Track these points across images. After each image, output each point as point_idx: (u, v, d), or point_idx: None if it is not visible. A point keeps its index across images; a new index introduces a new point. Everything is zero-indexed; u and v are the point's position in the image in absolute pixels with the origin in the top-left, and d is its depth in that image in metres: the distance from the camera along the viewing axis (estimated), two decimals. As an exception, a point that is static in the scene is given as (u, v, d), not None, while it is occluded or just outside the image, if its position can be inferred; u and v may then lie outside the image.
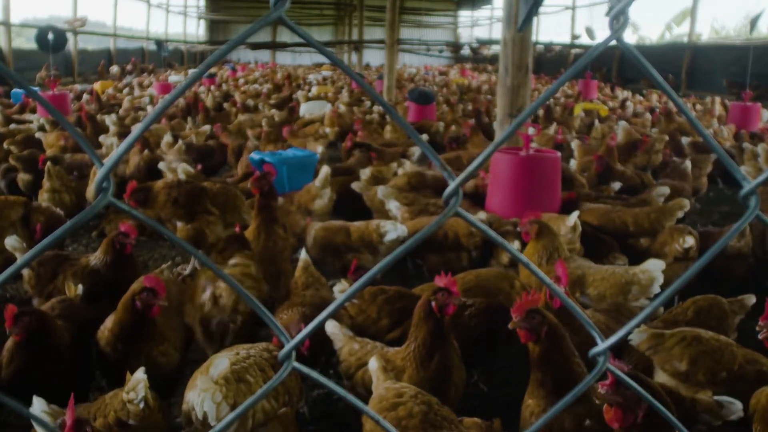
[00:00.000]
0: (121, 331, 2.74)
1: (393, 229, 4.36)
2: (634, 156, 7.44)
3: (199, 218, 4.79)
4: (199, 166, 6.54)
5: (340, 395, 1.05)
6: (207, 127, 8.82)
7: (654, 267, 3.54)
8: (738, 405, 2.34)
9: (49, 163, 5.47)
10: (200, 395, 2.21)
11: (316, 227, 4.57)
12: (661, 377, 2.73)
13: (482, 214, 4.83)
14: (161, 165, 6.09)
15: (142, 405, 2.18)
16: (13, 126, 8.76)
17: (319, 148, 8.04)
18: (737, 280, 4.16)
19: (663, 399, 1.87)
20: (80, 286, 3.33)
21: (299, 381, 2.66)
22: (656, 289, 3.50)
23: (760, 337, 2.62)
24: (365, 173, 6.00)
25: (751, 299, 3.23)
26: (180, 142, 6.92)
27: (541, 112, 10.38)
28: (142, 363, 2.70)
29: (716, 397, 2.40)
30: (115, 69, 21.97)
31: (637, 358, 2.90)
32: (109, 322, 2.84)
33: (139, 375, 2.21)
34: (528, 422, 2.34)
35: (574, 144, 7.60)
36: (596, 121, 9.97)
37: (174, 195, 4.80)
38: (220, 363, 2.28)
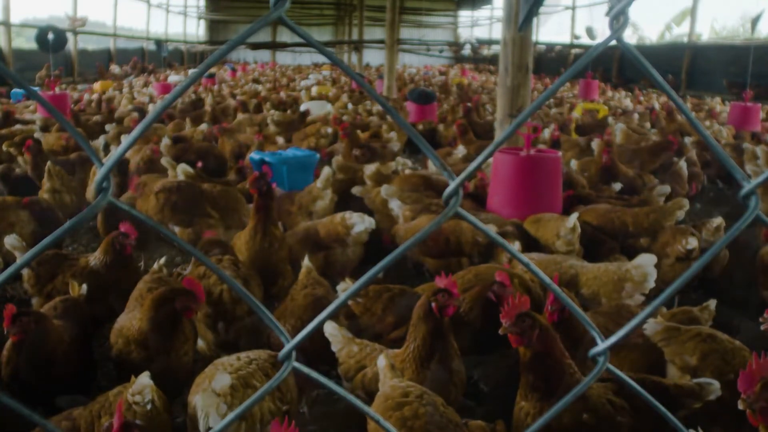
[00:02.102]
0: (156, 331, 2.76)
1: (360, 222, 4.29)
2: (666, 159, 7.28)
3: (199, 221, 4.80)
4: (200, 164, 6.54)
5: (340, 395, 1.05)
6: (204, 126, 8.83)
7: (646, 262, 3.52)
8: (716, 384, 2.35)
9: (49, 163, 5.47)
10: (203, 410, 2.21)
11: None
12: (670, 371, 2.74)
13: (493, 227, 4.74)
14: (163, 161, 6.09)
15: (149, 407, 2.19)
16: (17, 127, 8.74)
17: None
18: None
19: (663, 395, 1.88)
20: (84, 286, 3.33)
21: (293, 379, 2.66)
22: (650, 284, 3.48)
23: (762, 328, 2.66)
24: (370, 169, 6.01)
25: (713, 304, 3.19)
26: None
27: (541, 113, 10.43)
28: (172, 362, 2.73)
29: (696, 380, 2.42)
30: (117, 69, 22.00)
31: (632, 361, 2.90)
32: (132, 321, 2.84)
33: (145, 380, 2.21)
34: (524, 423, 2.34)
35: (594, 143, 7.61)
36: (610, 119, 10.05)
37: (173, 199, 4.81)
38: (222, 378, 2.28)
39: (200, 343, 3.22)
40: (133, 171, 6.23)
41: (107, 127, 8.85)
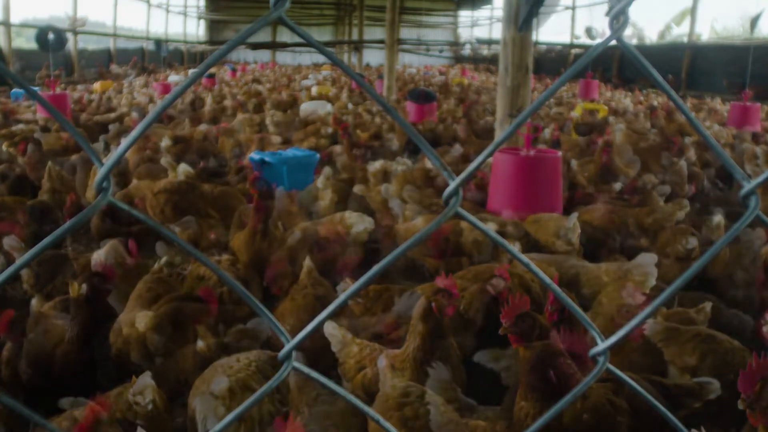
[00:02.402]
0: (159, 333, 2.78)
1: (360, 221, 4.30)
2: (667, 159, 7.26)
3: (199, 222, 4.81)
4: (202, 164, 6.55)
5: (341, 395, 1.05)
6: (204, 126, 8.84)
7: (646, 261, 3.52)
8: (716, 384, 2.36)
9: (49, 164, 5.48)
10: (201, 414, 2.21)
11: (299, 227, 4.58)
12: (671, 371, 2.74)
13: (493, 227, 4.73)
14: (163, 161, 6.09)
15: (150, 407, 2.19)
16: (21, 126, 8.74)
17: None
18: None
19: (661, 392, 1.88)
20: (84, 286, 3.33)
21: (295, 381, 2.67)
22: (651, 283, 3.49)
23: (764, 330, 2.66)
24: (374, 167, 6.00)
25: (708, 306, 3.18)
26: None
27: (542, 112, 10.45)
28: (173, 363, 2.75)
29: (696, 379, 2.42)
30: (117, 69, 22.02)
31: (630, 362, 2.90)
32: (134, 321, 2.85)
33: (146, 380, 2.21)
34: (524, 423, 2.33)
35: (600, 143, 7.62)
36: (611, 118, 10.09)
37: (174, 200, 4.82)
38: (220, 381, 2.29)
39: (200, 344, 3.22)
40: (133, 170, 6.25)
41: (109, 126, 8.86)
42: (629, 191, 5.64)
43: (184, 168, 5.74)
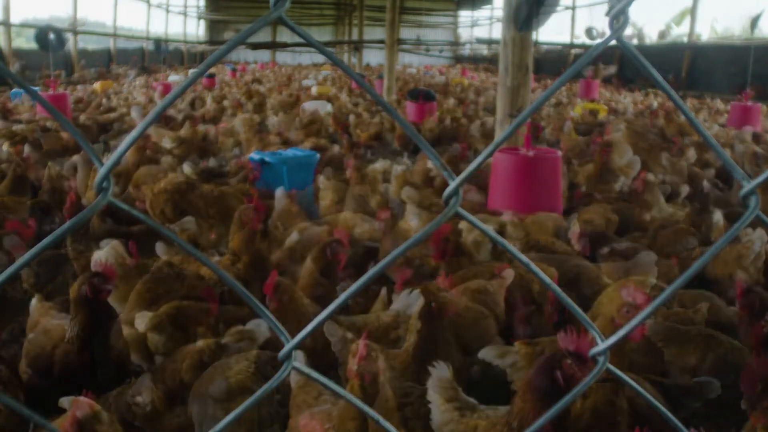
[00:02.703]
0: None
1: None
2: (667, 159, 7.25)
3: (199, 222, 4.81)
4: (204, 163, 6.55)
5: (341, 395, 1.05)
6: (204, 126, 8.85)
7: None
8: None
9: (49, 164, 5.48)
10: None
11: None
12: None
13: (492, 227, 4.76)
14: (163, 161, 6.10)
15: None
16: (21, 126, 8.74)
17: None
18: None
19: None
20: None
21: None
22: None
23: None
24: (374, 167, 5.99)
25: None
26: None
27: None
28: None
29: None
30: (117, 69, 22.03)
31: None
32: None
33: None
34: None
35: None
36: (611, 118, 10.13)
37: (175, 200, 4.82)
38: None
39: (200, 344, 3.22)
40: (133, 170, 6.24)
41: (114, 125, 8.86)
42: (630, 191, 5.64)
43: (184, 168, 5.75)
